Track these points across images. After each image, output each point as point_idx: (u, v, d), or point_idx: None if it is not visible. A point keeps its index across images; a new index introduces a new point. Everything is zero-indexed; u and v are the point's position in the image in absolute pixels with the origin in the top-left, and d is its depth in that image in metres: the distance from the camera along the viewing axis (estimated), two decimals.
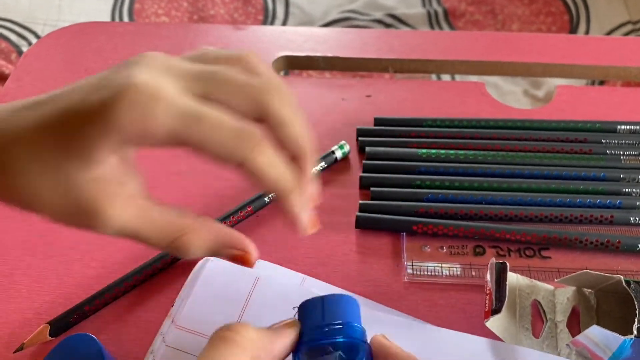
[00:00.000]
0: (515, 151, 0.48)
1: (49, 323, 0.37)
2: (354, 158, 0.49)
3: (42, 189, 0.25)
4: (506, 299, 0.36)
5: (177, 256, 0.31)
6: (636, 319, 0.33)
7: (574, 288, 0.39)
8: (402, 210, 0.43)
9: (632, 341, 0.32)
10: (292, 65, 0.59)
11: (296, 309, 0.30)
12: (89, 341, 0.34)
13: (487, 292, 0.35)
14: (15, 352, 0.36)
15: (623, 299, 0.37)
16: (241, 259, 0.30)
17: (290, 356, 0.29)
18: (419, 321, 0.37)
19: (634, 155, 0.47)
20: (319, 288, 0.39)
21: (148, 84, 0.25)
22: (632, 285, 0.34)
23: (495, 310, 0.34)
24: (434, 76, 1.05)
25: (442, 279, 0.40)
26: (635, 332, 0.32)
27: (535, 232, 0.42)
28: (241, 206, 0.44)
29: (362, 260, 0.42)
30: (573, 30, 1.16)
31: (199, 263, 0.38)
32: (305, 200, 0.31)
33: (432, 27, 1.17)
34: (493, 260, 0.36)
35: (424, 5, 1.21)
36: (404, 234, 0.43)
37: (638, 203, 0.44)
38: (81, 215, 0.25)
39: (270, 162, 0.27)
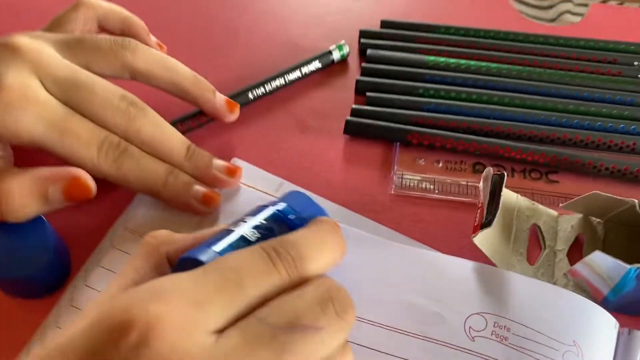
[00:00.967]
0: (533, 66, 0.42)
1: None
2: (354, 62, 0.44)
3: None
4: (501, 219, 0.32)
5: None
6: None
7: (580, 216, 0.34)
8: (398, 119, 0.39)
9: (637, 271, 0.28)
10: None
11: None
12: (35, 219, 0.31)
13: (479, 204, 0.31)
14: None
15: (634, 232, 0.32)
16: (76, 188, 0.29)
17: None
18: (397, 235, 0.33)
19: None
20: None
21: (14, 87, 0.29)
22: None
23: (486, 224, 0.29)
24: None
25: (433, 195, 0.36)
26: None
27: (544, 151, 0.37)
28: None
29: (348, 168, 0.38)
30: None
31: None
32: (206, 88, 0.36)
33: None
34: (490, 170, 0.32)
35: None
36: (398, 144, 0.38)
37: None
38: None
39: (150, 58, 0.34)
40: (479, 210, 0.31)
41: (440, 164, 0.38)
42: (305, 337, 0.20)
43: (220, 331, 0.20)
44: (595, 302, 0.29)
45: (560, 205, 0.34)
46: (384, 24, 0.46)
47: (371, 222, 0.35)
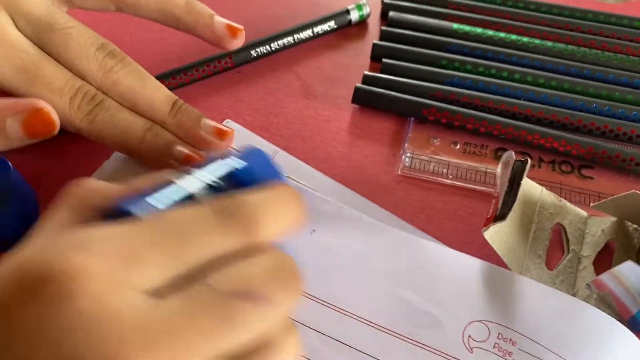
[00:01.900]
0: (577, 45, 0.37)
1: None
2: (374, 26, 0.40)
3: None
4: (520, 213, 0.28)
5: None
6: None
7: (613, 219, 0.30)
8: (414, 91, 0.34)
9: None
10: None
11: None
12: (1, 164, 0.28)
13: (495, 194, 0.27)
14: None
15: None
16: (38, 122, 0.26)
17: None
18: (398, 221, 0.29)
19: None
20: (288, 165, 0.32)
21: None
22: None
23: (499, 217, 0.25)
24: None
25: (446, 180, 0.32)
26: None
27: (579, 142, 0.32)
28: (220, 55, 0.35)
29: (353, 142, 0.33)
30: None
31: None
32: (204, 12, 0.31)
33: None
34: (511, 154, 0.27)
35: None
36: (411, 119, 0.34)
37: None
38: None
39: None
40: (494, 201, 0.27)
41: (458, 146, 0.33)
42: (257, 307, 0.18)
43: (154, 294, 0.17)
44: (621, 322, 0.24)
45: (592, 204, 0.29)
46: None
47: (371, 204, 0.30)
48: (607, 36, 0.38)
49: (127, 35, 0.38)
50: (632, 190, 0.26)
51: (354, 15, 0.38)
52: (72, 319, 0.15)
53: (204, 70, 0.35)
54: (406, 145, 0.33)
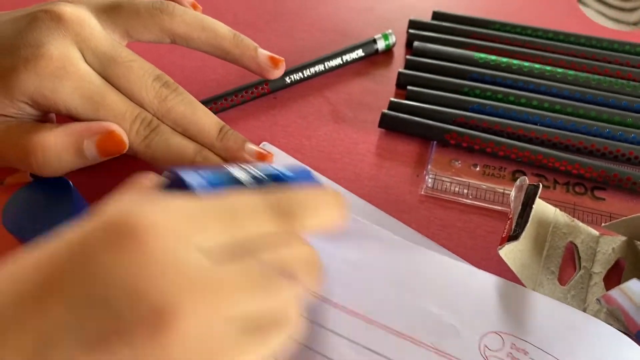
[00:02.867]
0: (592, 73, 0.39)
1: None
2: (400, 54, 0.42)
3: None
4: (534, 233, 0.30)
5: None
6: None
7: (623, 238, 0.32)
8: (437, 117, 0.37)
9: None
10: None
11: None
12: (63, 184, 0.32)
13: (510, 215, 0.29)
14: None
15: None
16: (110, 142, 0.29)
17: None
18: (421, 238, 0.32)
19: None
20: None
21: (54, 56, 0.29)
22: None
23: (513, 237, 0.27)
24: None
25: (466, 200, 0.34)
26: None
27: (592, 165, 0.34)
28: (258, 82, 0.39)
29: (379, 163, 0.36)
30: None
31: None
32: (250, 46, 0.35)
33: None
34: (525, 179, 0.29)
35: None
36: (434, 143, 0.36)
37: None
38: None
39: (188, 20, 0.33)
40: (508, 222, 0.29)
41: (478, 168, 0.35)
42: (291, 286, 0.22)
43: (209, 254, 0.20)
44: (629, 335, 0.26)
45: (603, 224, 0.31)
46: (436, 15, 0.43)
47: (396, 222, 0.33)
48: (620, 64, 0.40)
49: (169, 64, 0.41)
50: None
51: (381, 44, 0.41)
52: (145, 265, 0.18)
53: (242, 96, 0.38)
54: (429, 167, 0.35)
